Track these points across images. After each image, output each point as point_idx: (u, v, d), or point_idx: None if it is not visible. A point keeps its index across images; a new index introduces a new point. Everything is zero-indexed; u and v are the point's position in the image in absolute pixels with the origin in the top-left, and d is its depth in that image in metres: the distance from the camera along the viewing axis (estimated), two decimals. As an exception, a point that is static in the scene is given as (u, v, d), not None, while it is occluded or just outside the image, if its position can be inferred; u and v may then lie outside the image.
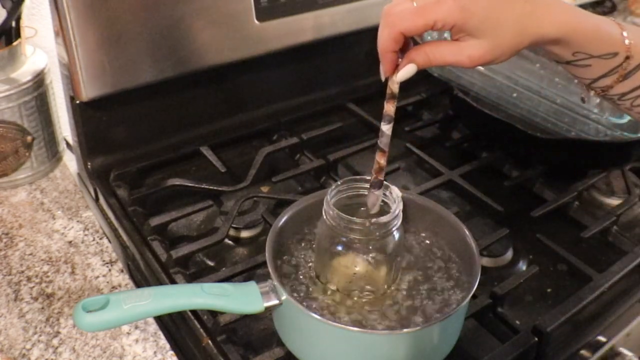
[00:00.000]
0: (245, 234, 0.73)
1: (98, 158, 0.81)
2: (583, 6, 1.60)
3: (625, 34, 0.50)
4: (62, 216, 0.75)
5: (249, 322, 0.62)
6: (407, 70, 0.49)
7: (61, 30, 0.71)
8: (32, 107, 0.76)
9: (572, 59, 0.51)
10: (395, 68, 0.49)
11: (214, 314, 0.60)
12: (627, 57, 0.51)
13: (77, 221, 0.74)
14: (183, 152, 0.85)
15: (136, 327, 0.61)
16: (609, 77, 0.52)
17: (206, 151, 0.84)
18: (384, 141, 0.52)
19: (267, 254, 0.56)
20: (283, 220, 0.60)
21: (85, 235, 0.72)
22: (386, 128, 0.52)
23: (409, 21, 0.46)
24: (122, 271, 0.67)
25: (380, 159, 0.53)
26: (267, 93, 0.92)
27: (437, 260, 0.60)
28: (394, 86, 0.50)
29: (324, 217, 0.55)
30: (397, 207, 0.55)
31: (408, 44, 0.50)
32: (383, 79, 0.51)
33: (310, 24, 0.87)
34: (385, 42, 0.48)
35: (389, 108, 0.51)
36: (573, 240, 0.73)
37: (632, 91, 0.52)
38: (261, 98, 0.92)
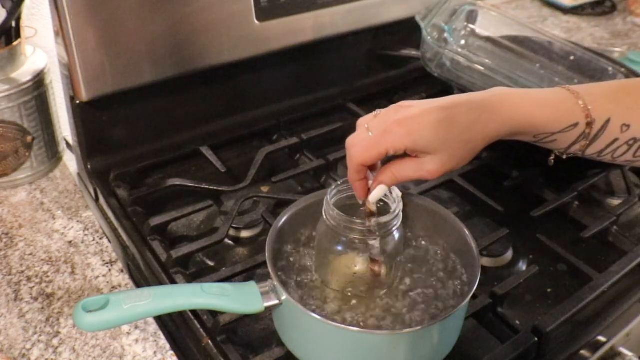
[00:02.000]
0: (245, 234, 0.73)
1: (98, 158, 0.81)
2: (583, 6, 1.59)
3: (580, 102, 0.51)
4: (62, 216, 0.75)
5: (249, 322, 0.62)
6: (378, 191, 0.54)
7: (61, 30, 0.71)
8: (32, 107, 0.76)
9: (534, 140, 0.54)
10: (367, 191, 0.54)
11: (214, 314, 0.60)
12: (589, 123, 0.51)
13: (77, 221, 0.74)
14: (183, 152, 0.85)
15: (136, 327, 0.61)
16: (578, 144, 0.53)
17: (206, 151, 0.84)
18: (374, 252, 0.55)
19: (267, 254, 0.56)
20: (283, 220, 0.60)
21: (85, 235, 0.72)
22: (374, 242, 0.54)
23: (365, 154, 0.51)
24: (122, 271, 0.67)
25: (375, 267, 0.56)
26: (267, 93, 0.92)
27: (437, 260, 0.60)
28: (371, 206, 0.54)
29: (324, 217, 0.55)
30: (397, 207, 0.55)
31: (375, 165, 0.55)
32: (360, 202, 0.56)
33: (310, 24, 0.87)
34: (350, 175, 0.53)
35: (371, 225, 0.54)
36: (573, 240, 0.73)
37: (607, 147, 0.53)
38: (261, 98, 0.92)
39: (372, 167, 0.55)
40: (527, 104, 0.51)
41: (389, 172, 0.53)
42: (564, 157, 0.56)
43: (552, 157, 0.57)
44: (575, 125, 0.51)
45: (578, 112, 0.51)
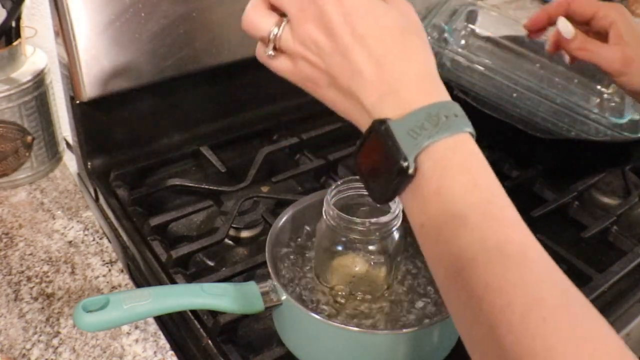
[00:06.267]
0: (245, 234, 0.73)
1: (98, 158, 0.81)
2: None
3: None
4: (62, 216, 0.75)
5: (249, 322, 0.62)
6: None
7: (61, 30, 0.71)
8: (32, 107, 0.76)
9: None
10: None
11: (214, 314, 0.60)
12: None
13: (77, 221, 0.74)
14: (183, 152, 0.85)
15: (136, 327, 0.61)
16: None
17: (206, 151, 0.84)
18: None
19: (267, 254, 0.56)
20: (283, 220, 0.60)
21: (85, 235, 0.72)
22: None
23: None
24: (122, 271, 0.67)
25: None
26: (267, 93, 0.92)
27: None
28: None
29: (324, 217, 0.55)
30: (397, 207, 0.55)
31: None
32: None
33: (310, 24, 0.87)
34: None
35: None
36: (573, 240, 0.73)
37: None
38: (261, 98, 0.92)
39: None
40: None
41: None
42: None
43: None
44: None
45: None
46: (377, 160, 0.39)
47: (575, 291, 0.34)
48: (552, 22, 0.71)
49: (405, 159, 0.37)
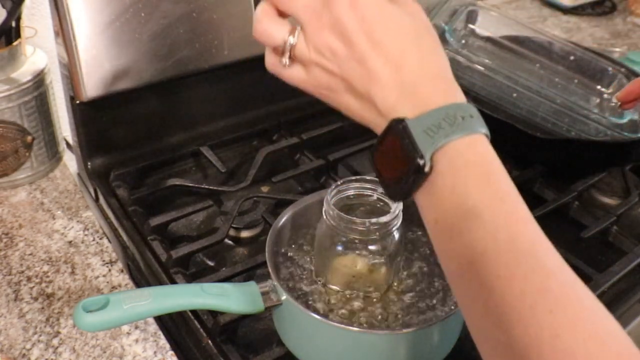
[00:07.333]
0: (245, 234, 0.73)
1: (98, 158, 0.81)
2: (583, 6, 1.59)
3: None
4: (62, 216, 0.75)
5: (249, 322, 0.62)
6: None
7: (61, 30, 0.71)
8: (32, 107, 0.76)
9: None
10: None
11: (214, 314, 0.60)
12: None
13: (77, 221, 0.74)
14: (183, 152, 0.85)
15: (136, 327, 0.61)
16: None
17: (206, 151, 0.84)
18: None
19: (267, 254, 0.56)
20: (283, 220, 0.60)
21: (85, 235, 0.72)
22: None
23: None
24: (122, 271, 0.67)
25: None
26: (267, 93, 0.92)
27: (437, 260, 0.60)
28: None
29: (324, 217, 0.55)
30: (397, 207, 0.55)
31: None
32: None
33: (310, 24, 0.87)
34: None
35: None
36: (573, 240, 0.73)
37: None
38: (261, 98, 0.92)
39: None
40: None
41: None
42: None
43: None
44: None
45: None
46: (394, 158, 0.40)
47: (582, 286, 0.36)
48: None
49: (422, 157, 0.37)
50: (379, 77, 0.40)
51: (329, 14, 0.40)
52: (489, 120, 0.84)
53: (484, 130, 0.40)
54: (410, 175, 0.38)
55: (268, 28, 0.43)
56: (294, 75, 0.44)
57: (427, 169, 0.38)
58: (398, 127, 0.39)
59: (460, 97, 0.40)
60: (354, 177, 0.58)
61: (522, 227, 0.37)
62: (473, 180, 0.38)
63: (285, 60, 0.43)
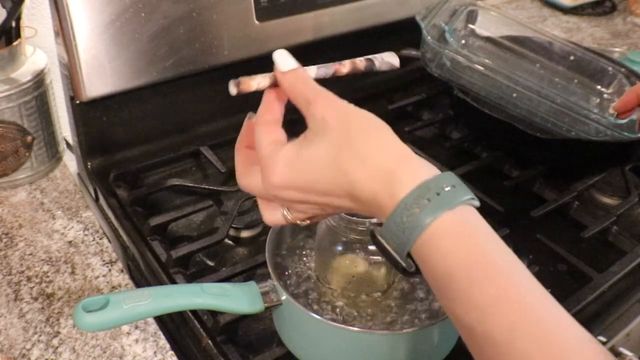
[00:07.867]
0: (245, 234, 0.73)
1: (98, 158, 0.81)
2: (583, 6, 1.59)
3: None
4: (62, 216, 0.75)
5: (249, 322, 0.62)
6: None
7: (61, 30, 0.71)
8: (32, 107, 0.76)
9: None
10: None
11: (214, 314, 0.60)
12: None
13: (77, 221, 0.74)
14: (183, 152, 0.85)
15: (136, 327, 0.61)
16: None
17: (206, 151, 0.84)
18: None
19: (267, 254, 0.56)
20: (283, 220, 0.60)
21: (85, 235, 0.72)
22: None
23: None
24: (122, 271, 0.67)
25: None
26: (267, 93, 0.92)
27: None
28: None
29: (324, 217, 0.55)
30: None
31: None
32: None
33: (310, 24, 0.87)
34: None
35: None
36: (573, 240, 0.73)
37: None
38: (261, 98, 0.91)
39: None
40: None
41: None
42: None
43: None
44: None
45: None
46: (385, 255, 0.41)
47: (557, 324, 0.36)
48: None
49: (403, 260, 0.39)
50: (346, 208, 0.42)
51: (270, 195, 0.44)
52: (489, 120, 0.84)
53: (466, 196, 0.40)
54: (401, 271, 0.40)
55: (273, 219, 0.47)
56: (298, 220, 0.46)
57: (412, 269, 0.39)
58: (374, 239, 0.41)
59: (428, 171, 0.40)
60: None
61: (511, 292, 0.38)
62: (458, 257, 0.38)
63: (301, 222, 0.46)
